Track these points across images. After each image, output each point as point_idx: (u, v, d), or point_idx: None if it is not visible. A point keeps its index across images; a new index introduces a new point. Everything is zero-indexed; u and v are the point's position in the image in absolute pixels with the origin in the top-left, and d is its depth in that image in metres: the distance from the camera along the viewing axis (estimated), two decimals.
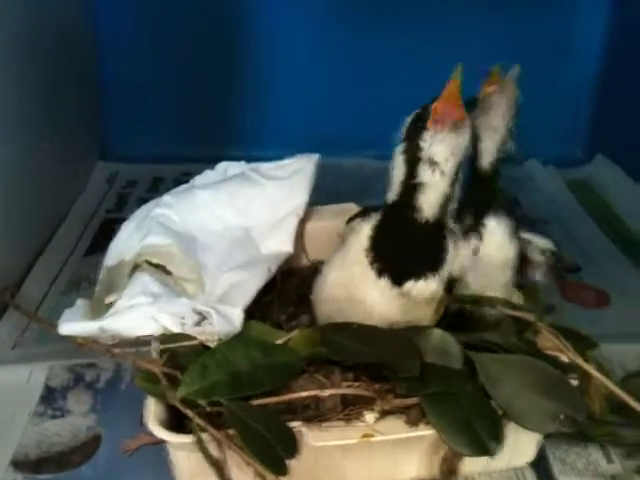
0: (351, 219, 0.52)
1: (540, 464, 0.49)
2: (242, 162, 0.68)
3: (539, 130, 1.05)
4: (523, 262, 0.51)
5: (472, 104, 0.47)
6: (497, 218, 0.49)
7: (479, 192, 0.49)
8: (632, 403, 0.45)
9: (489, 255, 0.48)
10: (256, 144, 1.06)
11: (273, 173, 0.65)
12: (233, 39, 1.03)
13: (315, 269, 0.62)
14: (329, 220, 0.65)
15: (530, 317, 0.45)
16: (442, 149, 0.43)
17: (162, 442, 0.44)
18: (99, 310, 0.54)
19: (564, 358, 0.45)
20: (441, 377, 0.40)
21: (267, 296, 0.58)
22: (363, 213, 0.50)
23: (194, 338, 0.45)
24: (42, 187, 0.81)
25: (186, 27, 1.02)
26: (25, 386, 0.59)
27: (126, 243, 0.59)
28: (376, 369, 0.42)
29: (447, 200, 0.45)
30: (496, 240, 0.48)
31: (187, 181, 1.00)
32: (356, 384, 0.42)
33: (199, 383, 0.40)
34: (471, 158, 0.48)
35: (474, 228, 0.49)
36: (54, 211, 0.87)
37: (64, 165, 0.90)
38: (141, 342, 0.47)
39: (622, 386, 0.46)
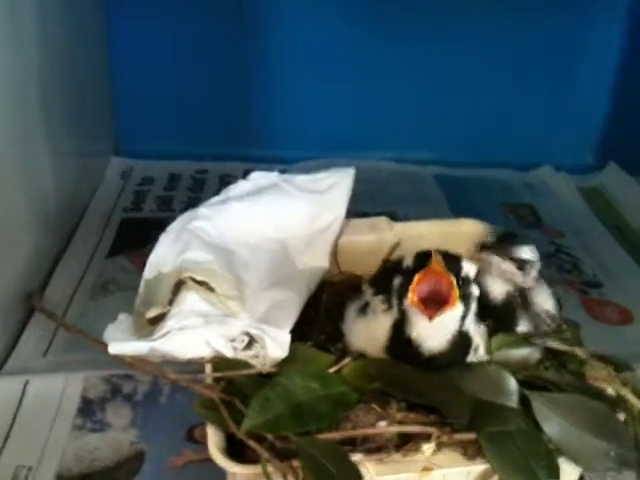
0: (376, 282, 0.51)
1: None
2: (275, 172, 0.67)
3: (552, 136, 1.07)
4: None
5: None
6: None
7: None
8: None
9: None
10: (272, 144, 1.07)
11: (308, 186, 0.65)
12: (249, 39, 1.02)
13: (348, 282, 0.64)
14: (361, 234, 0.65)
15: (582, 354, 0.46)
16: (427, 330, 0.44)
17: (209, 460, 0.44)
18: (141, 325, 0.55)
19: (610, 389, 0.46)
20: (498, 415, 0.41)
21: (304, 312, 0.58)
22: (386, 279, 0.49)
23: (250, 366, 0.46)
24: (61, 183, 0.80)
25: (203, 26, 1.02)
26: (61, 397, 0.59)
27: (164, 255, 0.59)
28: None
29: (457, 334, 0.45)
30: None
31: (203, 179, 1.02)
32: (412, 415, 0.43)
33: (263, 416, 0.40)
34: None
35: None
36: (73, 208, 0.87)
37: (80, 160, 0.90)
38: (192, 363, 0.48)
39: None
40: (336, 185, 0.65)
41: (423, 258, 0.44)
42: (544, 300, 0.49)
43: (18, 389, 0.59)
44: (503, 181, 1.02)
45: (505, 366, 0.45)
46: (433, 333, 0.44)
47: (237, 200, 0.63)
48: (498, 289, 0.49)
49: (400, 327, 0.46)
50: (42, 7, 0.73)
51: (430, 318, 0.42)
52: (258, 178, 0.67)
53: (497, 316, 0.48)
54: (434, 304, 0.42)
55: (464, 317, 0.45)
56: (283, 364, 0.47)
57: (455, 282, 0.42)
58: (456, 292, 0.42)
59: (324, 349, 0.52)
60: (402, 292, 0.44)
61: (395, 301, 0.46)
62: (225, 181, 1.00)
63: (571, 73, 1.06)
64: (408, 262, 0.46)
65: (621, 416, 0.45)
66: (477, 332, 0.47)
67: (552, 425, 0.42)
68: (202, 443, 0.53)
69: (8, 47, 0.65)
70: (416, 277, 0.43)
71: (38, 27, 0.72)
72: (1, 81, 0.64)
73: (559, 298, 0.50)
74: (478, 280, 0.46)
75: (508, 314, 0.48)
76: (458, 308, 0.43)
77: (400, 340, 0.46)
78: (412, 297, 0.42)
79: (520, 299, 0.49)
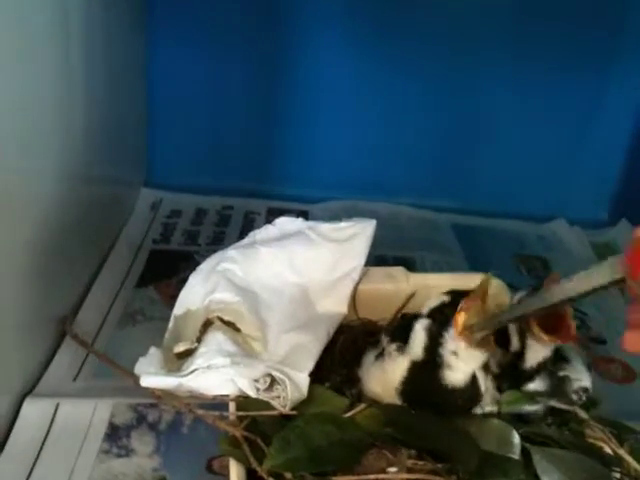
0: (392, 331, 0.56)
1: None
2: (300, 219, 0.71)
3: (567, 190, 1.11)
4: None
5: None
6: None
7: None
8: None
9: None
10: (293, 183, 1.11)
11: (331, 234, 0.68)
12: (278, 85, 1.07)
13: (364, 328, 0.67)
14: (378, 283, 0.68)
15: (583, 415, 0.49)
16: (463, 357, 0.48)
17: None
18: (169, 358, 0.58)
19: (607, 448, 0.49)
20: (500, 466, 0.45)
21: (322, 355, 0.61)
22: (403, 329, 0.54)
23: (271, 406, 0.49)
24: (95, 210, 0.84)
25: (236, 67, 1.06)
26: (90, 421, 0.62)
27: (193, 294, 0.63)
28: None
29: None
30: None
31: (229, 215, 1.06)
32: (421, 463, 0.46)
33: (283, 456, 0.43)
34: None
35: None
36: (105, 236, 0.91)
37: (114, 190, 0.94)
38: (216, 399, 0.52)
39: None
40: (358, 235, 0.68)
41: (458, 295, 0.49)
42: (581, 376, 0.51)
43: (50, 412, 0.63)
44: (517, 232, 1.05)
45: (510, 420, 0.48)
46: (462, 365, 0.48)
47: (263, 244, 0.67)
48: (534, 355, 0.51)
49: (420, 366, 0.50)
50: (90, 44, 0.77)
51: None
52: (284, 223, 0.71)
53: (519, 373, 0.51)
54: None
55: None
56: (301, 405, 0.51)
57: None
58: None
59: (339, 391, 0.56)
60: (434, 335, 0.49)
61: (423, 341, 0.50)
62: (249, 218, 1.04)
63: (588, 129, 1.10)
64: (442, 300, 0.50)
65: (617, 475, 0.48)
66: (484, 381, 0.51)
67: (549, 478, 0.45)
68: (221, 474, 0.57)
69: (60, 80, 0.70)
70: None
71: (86, 61, 0.76)
72: (51, 111, 0.68)
73: (590, 367, 0.53)
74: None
75: (530, 374, 0.51)
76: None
77: (419, 379, 0.50)
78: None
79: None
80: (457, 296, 0.50)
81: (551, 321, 0.46)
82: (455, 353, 0.48)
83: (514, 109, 1.08)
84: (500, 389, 0.51)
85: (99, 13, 0.80)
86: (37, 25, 0.63)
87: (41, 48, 0.64)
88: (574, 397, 0.50)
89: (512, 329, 0.50)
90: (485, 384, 0.50)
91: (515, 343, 0.50)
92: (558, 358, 0.51)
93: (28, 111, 0.62)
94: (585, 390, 0.51)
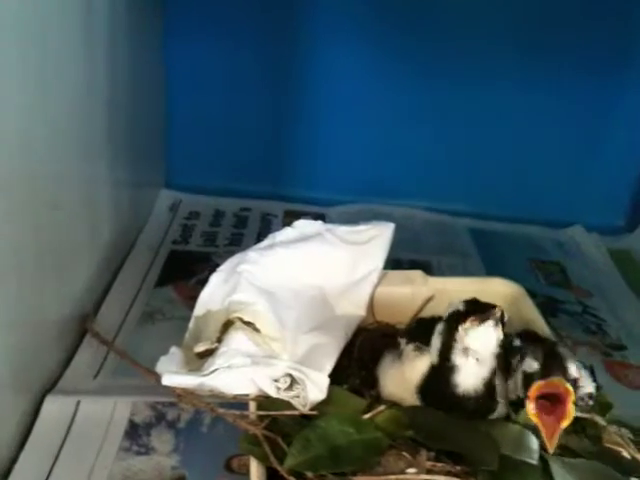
0: (410, 333, 0.57)
1: None
2: (319, 222, 0.72)
3: (584, 196, 1.11)
4: None
5: None
6: None
7: None
8: None
9: None
10: (310, 186, 1.11)
11: (350, 237, 0.69)
12: (293, 87, 1.08)
13: (381, 331, 0.67)
14: (396, 286, 0.69)
15: (602, 421, 0.49)
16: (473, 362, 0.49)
17: None
18: (189, 358, 0.59)
19: (625, 453, 0.49)
20: (519, 470, 0.45)
21: (340, 357, 0.62)
22: (420, 330, 0.55)
23: (291, 406, 0.50)
24: (116, 212, 0.85)
25: (252, 71, 1.08)
26: (110, 419, 0.63)
27: (213, 295, 0.63)
28: (457, 452, 0.47)
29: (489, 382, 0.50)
30: None
31: (246, 217, 1.07)
32: (440, 465, 0.46)
33: (303, 455, 0.44)
34: None
35: None
36: (125, 237, 0.92)
37: (134, 191, 0.95)
38: (237, 399, 0.52)
39: None
40: (376, 237, 0.69)
41: (473, 305, 0.50)
42: (585, 383, 0.51)
43: (70, 409, 0.63)
44: (534, 238, 1.05)
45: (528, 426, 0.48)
46: (474, 380, 0.49)
47: (283, 246, 0.68)
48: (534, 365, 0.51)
49: (437, 370, 0.51)
50: (113, 47, 0.78)
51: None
52: (303, 226, 0.72)
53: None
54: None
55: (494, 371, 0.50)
56: (321, 405, 0.52)
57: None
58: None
59: (358, 393, 0.56)
60: (447, 337, 0.50)
61: (438, 345, 0.51)
62: (266, 220, 1.05)
63: (605, 135, 1.09)
64: (456, 307, 0.51)
65: None
66: (501, 388, 0.51)
67: None
68: (239, 473, 0.58)
69: (83, 81, 0.71)
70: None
71: (108, 63, 0.77)
72: (74, 113, 0.69)
73: (593, 371, 0.53)
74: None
75: None
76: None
77: (435, 382, 0.51)
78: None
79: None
80: (474, 305, 0.50)
81: (553, 396, 0.46)
82: (465, 356, 0.49)
83: (530, 113, 1.08)
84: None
85: (122, 16, 0.81)
86: (62, 30, 0.64)
87: (65, 53, 0.65)
88: (580, 403, 0.50)
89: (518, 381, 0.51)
90: (502, 394, 0.51)
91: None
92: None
93: (52, 116, 0.63)
94: (590, 396, 0.51)
